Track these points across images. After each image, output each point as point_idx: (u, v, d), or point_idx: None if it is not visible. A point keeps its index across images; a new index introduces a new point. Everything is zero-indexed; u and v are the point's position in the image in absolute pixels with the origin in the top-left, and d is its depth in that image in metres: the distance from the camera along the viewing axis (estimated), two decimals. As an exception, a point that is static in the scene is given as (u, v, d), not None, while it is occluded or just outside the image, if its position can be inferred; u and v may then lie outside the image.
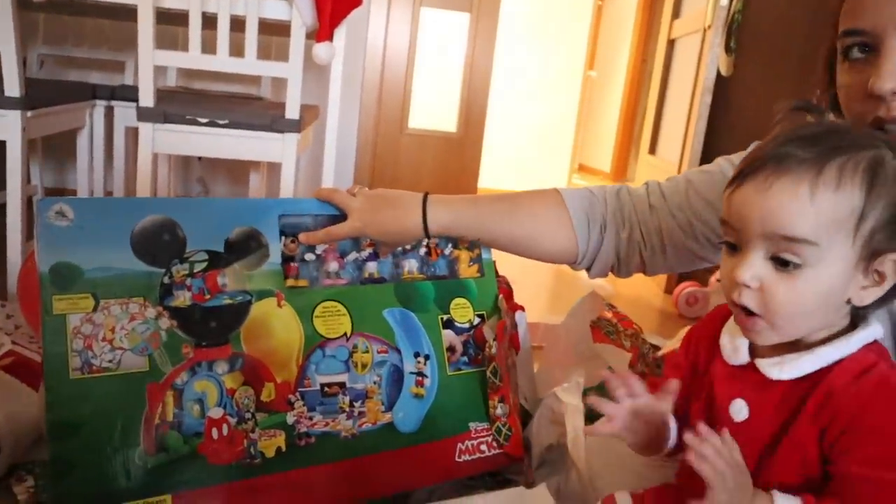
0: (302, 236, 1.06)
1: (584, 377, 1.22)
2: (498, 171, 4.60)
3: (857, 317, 0.68)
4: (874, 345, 0.66)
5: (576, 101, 4.78)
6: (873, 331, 0.66)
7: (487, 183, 4.32)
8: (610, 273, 1.14)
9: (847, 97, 0.76)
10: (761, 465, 0.68)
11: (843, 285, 0.63)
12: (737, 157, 0.99)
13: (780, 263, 0.62)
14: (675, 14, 3.33)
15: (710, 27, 2.72)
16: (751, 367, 0.69)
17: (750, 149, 0.82)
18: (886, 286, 0.64)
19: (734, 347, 0.71)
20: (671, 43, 3.37)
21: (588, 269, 1.13)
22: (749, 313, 0.65)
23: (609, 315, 1.42)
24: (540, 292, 2.77)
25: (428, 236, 1.08)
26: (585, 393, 1.27)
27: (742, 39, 2.66)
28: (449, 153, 3.47)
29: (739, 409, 0.69)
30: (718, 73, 2.72)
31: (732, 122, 2.74)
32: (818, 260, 0.61)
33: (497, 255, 1.25)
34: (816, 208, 0.60)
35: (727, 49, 2.67)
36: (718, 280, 1.38)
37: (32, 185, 2.55)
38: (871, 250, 0.62)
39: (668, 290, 2.82)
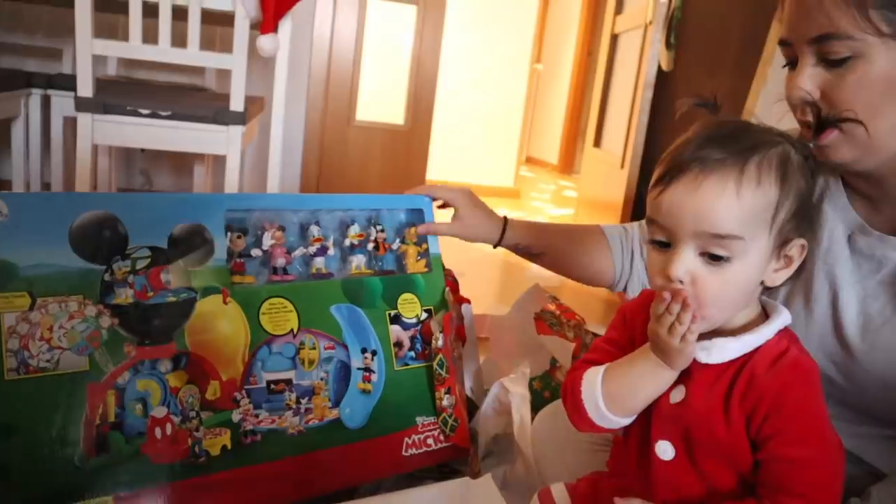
0: (420, 228, 1.21)
1: (529, 368, 1.24)
2: (446, 163, 4.61)
3: (768, 306, 0.74)
4: (785, 331, 0.71)
5: (523, 93, 4.81)
6: (785, 318, 0.71)
7: (435, 174, 4.32)
8: None
9: (788, 102, 0.80)
10: (693, 452, 0.71)
11: (762, 271, 0.68)
12: None
13: (711, 258, 0.65)
14: (618, 10, 3.38)
15: (651, 23, 2.76)
16: None
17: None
18: (794, 267, 0.71)
19: None
20: (614, 38, 3.43)
21: (624, 291, 1.21)
22: None
23: (552, 307, 1.44)
24: (487, 284, 2.79)
25: (496, 246, 1.22)
26: (531, 382, 1.29)
27: (682, 35, 2.72)
28: (396, 145, 3.46)
29: (677, 392, 0.72)
30: (660, 68, 2.77)
31: (674, 115, 2.79)
32: (744, 252, 0.65)
33: (444, 247, 1.26)
34: (742, 205, 0.64)
35: (668, 45, 2.72)
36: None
37: (-36, 177, 2.46)
38: (783, 238, 0.68)
39: (613, 281, 2.87)
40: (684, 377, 0.71)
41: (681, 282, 0.66)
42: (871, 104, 0.72)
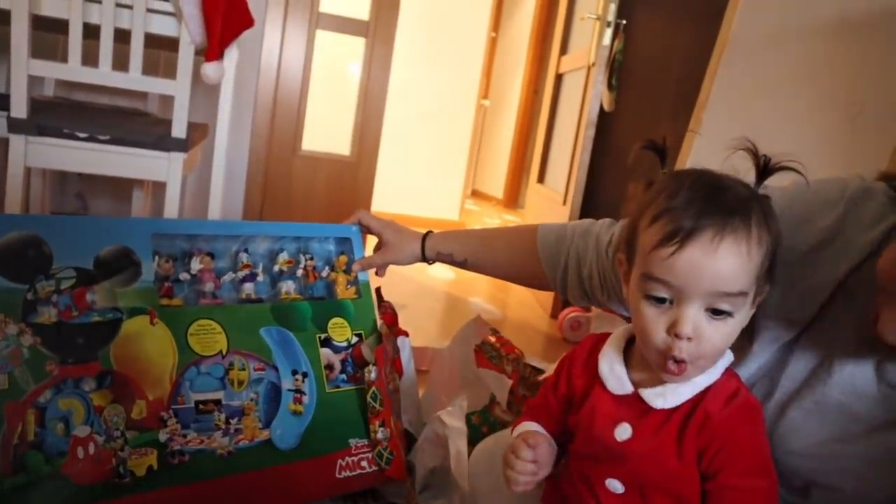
0: (355, 265, 1.25)
1: (467, 401, 1.25)
2: (391, 195, 4.63)
3: None
4: (729, 370, 0.75)
5: (469, 128, 4.88)
6: (728, 358, 0.75)
7: (381, 206, 4.33)
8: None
9: None
10: (643, 487, 0.74)
11: (748, 321, 0.72)
12: None
13: (714, 313, 0.68)
14: (563, 50, 3.48)
15: (593, 65, 2.85)
16: (634, 396, 0.75)
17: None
18: (753, 311, 0.73)
19: (617, 379, 0.76)
20: (559, 77, 3.52)
21: (568, 299, 1.18)
22: (678, 361, 0.69)
23: (492, 339, 1.45)
24: (430, 317, 2.80)
25: (426, 261, 1.25)
26: (469, 417, 1.30)
27: (622, 77, 2.81)
28: (342, 176, 3.47)
29: (624, 431, 0.74)
30: (602, 109, 2.86)
31: (614, 155, 2.88)
32: (743, 305, 0.69)
33: (384, 281, 1.28)
34: (753, 264, 0.67)
35: (609, 86, 2.80)
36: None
37: None
38: (760, 287, 0.71)
39: (554, 315, 2.91)
40: (632, 416, 0.74)
41: (689, 338, 0.68)
42: None
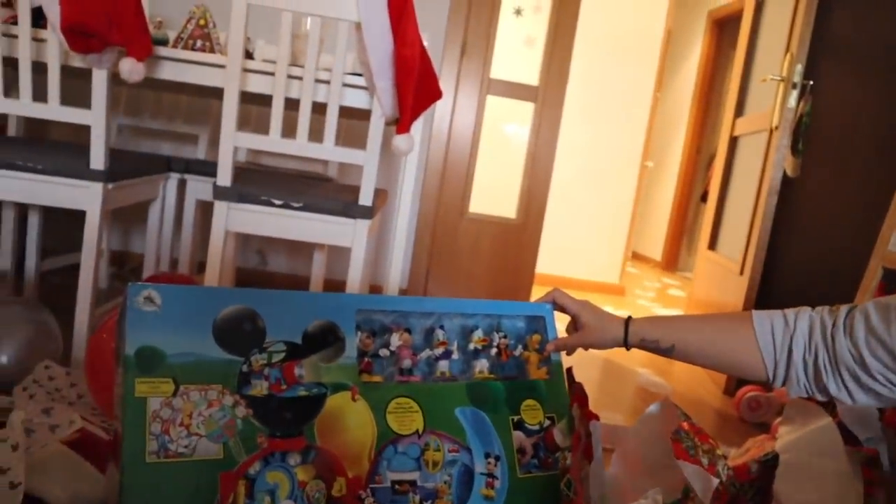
0: (549, 345, 1.23)
1: (661, 494, 1.17)
2: (553, 257, 4.60)
3: None
4: None
5: (632, 189, 4.78)
6: None
7: (542, 268, 4.30)
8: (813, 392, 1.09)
9: None
10: None
11: None
12: None
13: None
14: (738, 113, 3.35)
15: (777, 128, 2.71)
16: None
17: None
18: None
19: None
20: (734, 140, 3.38)
21: (789, 390, 1.12)
22: None
23: (686, 427, 1.36)
24: (596, 387, 2.70)
25: (626, 346, 1.20)
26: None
27: (808, 141, 2.66)
28: (507, 239, 3.48)
29: None
30: (784, 174, 2.71)
31: (798, 223, 2.70)
32: None
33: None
34: None
35: (794, 151, 2.66)
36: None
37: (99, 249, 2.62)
38: None
39: (728, 391, 2.73)
40: None
41: None
42: None
